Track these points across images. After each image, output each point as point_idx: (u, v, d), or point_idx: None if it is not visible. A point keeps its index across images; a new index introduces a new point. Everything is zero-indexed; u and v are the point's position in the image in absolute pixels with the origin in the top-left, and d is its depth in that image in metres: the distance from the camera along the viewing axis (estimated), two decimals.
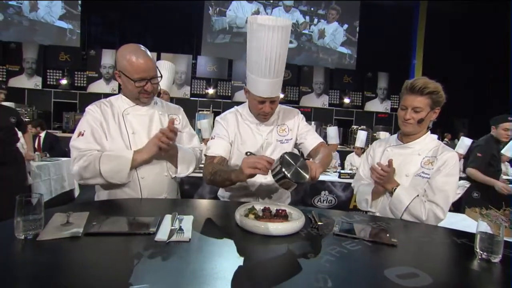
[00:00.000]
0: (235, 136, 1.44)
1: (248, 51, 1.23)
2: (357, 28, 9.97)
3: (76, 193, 4.50)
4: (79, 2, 8.55)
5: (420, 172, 1.29)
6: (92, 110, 1.28)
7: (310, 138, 1.48)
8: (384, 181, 1.29)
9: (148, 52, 1.25)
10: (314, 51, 9.96)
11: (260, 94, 1.28)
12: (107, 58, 8.34)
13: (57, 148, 4.68)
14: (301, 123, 1.52)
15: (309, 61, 9.78)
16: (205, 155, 1.41)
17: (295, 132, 1.49)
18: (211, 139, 1.43)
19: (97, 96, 8.46)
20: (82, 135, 1.24)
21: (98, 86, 8.39)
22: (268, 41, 1.13)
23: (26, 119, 6.63)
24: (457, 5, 9.64)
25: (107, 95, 7.74)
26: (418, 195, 1.25)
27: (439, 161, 1.26)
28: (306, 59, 9.81)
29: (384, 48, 9.15)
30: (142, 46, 1.25)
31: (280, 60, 1.20)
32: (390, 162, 1.29)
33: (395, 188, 1.27)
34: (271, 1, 9.61)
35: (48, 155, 4.25)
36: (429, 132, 1.37)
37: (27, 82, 7.97)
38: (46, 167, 3.87)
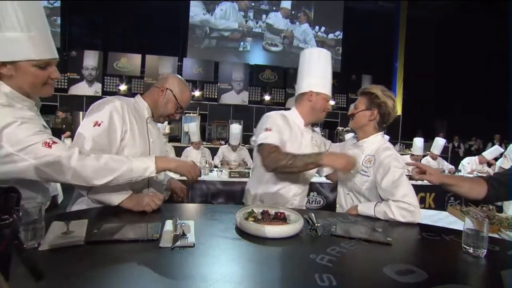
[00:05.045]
0: (286, 134, 1.49)
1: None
2: (341, 32, 10.23)
3: (60, 199, 4.34)
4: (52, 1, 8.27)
5: (360, 170, 1.41)
6: (117, 107, 1.18)
7: None
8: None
9: None
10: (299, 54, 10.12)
11: (328, 92, 1.52)
12: (90, 59, 8.12)
13: None
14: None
15: (295, 63, 9.92)
16: (264, 143, 1.41)
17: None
18: (268, 130, 1.43)
19: (79, 98, 8.21)
20: (99, 125, 1.12)
21: (80, 88, 8.14)
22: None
23: None
24: (437, 9, 10.07)
25: (89, 97, 7.50)
26: (377, 203, 1.31)
27: (377, 161, 1.35)
28: (292, 62, 9.95)
29: (367, 52, 9.44)
30: None
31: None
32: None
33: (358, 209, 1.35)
34: (253, 4, 9.70)
35: None
36: (380, 133, 1.47)
37: None
38: None
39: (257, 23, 9.74)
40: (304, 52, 1.60)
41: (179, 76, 1.41)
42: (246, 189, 1.66)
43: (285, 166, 1.33)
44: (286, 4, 9.81)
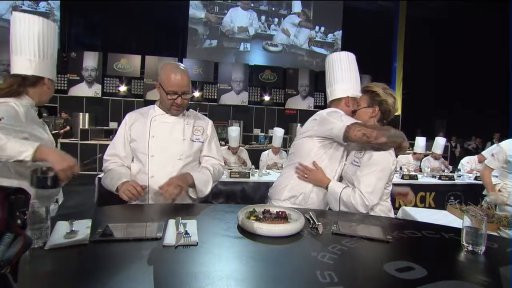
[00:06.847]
0: None
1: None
2: (341, 31, 10.25)
3: (60, 200, 4.34)
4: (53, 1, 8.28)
5: (353, 160, 1.44)
6: (125, 118, 1.51)
7: None
8: (316, 179, 1.43)
9: (186, 71, 1.40)
10: (299, 54, 10.15)
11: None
12: (89, 60, 8.12)
13: None
14: None
15: (295, 63, 9.95)
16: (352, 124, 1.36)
17: None
18: (343, 116, 1.43)
19: (79, 100, 8.22)
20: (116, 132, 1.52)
21: (80, 89, 8.14)
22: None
23: None
24: (436, 8, 10.07)
25: (89, 99, 7.52)
26: (346, 186, 1.39)
27: (367, 154, 1.37)
28: (292, 62, 9.97)
29: (366, 52, 9.44)
30: (181, 65, 1.43)
31: None
32: (314, 164, 1.44)
33: (328, 184, 1.41)
34: (252, 4, 9.73)
35: None
36: None
37: None
38: None
39: (266, 25, 9.82)
40: (333, 56, 1.57)
41: (171, 62, 1.43)
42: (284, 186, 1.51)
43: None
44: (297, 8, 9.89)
